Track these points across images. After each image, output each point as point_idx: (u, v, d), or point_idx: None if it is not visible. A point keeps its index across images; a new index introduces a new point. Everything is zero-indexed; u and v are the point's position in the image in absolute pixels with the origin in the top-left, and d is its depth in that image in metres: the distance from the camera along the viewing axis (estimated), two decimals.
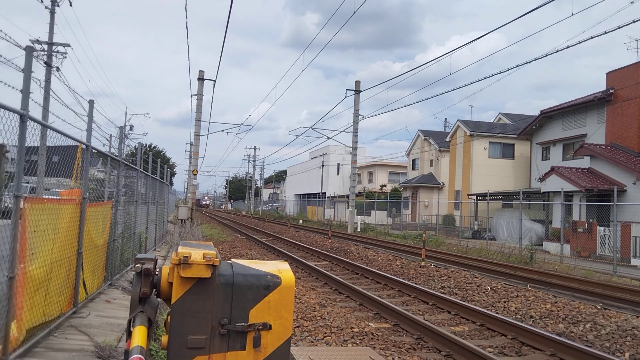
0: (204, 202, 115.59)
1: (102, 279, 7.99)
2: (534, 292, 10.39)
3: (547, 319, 8.33)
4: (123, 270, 9.70)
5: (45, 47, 23.21)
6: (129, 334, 2.54)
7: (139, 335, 2.39)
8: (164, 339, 2.75)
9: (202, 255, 2.70)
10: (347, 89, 31.74)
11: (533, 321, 8.22)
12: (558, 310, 8.74)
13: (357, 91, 31.91)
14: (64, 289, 5.80)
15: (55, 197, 5.90)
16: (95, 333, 5.47)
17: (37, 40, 23.06)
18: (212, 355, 2.74)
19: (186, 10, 15.32)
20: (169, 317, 2.76)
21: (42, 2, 22.51)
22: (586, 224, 20.69)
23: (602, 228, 19.83)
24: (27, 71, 4.70)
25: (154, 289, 2.82)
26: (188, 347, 2.71)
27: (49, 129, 5.30)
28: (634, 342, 6.90)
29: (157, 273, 2.80)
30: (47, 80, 22.26)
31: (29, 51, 4.90)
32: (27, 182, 6.76)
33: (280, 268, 2.97)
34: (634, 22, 13.12)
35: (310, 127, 35.75)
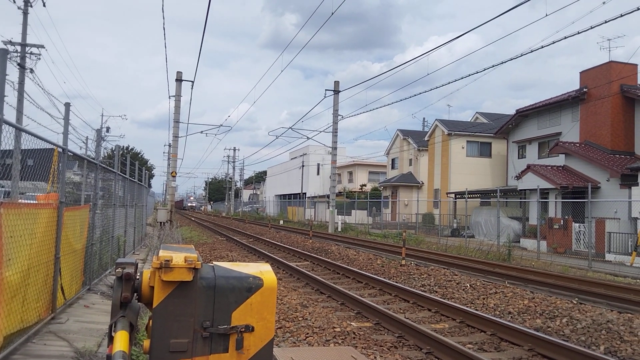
0: (189, 204, 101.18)
1: (81, 283, 7.89)
2: (512, 289, 10.56)
3: (525, 314, 8.48)
4: (102, 275, 9.58)
5: (18, 48, 22.79)
6: (111, 339, 2.52)
7: (121, 340, 2.38)
8: (146, 343, 2.74)
9: (183, 259, 2.70)
10: (326, 89, 31.83)
11: (511, 317, 8.37)
12: (535, 306, 8.90)
13: (336, 91, 32.01)
14: (42, 294, 5.71)
15: (32, 202, 5.81)
16: (74, 339, 5.40)
17: (10, 41, 22.63)
18: (195, 359, 2.74)
19: (163, 11, 15.20)
20: (151, 321, 2.75)
21: (14, 2, 22.08)
22: (562, 221, 21.10)
23: (577, 224, 20.26)
24: (2, 74, 4.63)
25: (135, 294, 2.80)
26: (170, 350, 2.70)
27: (24, 133, 5.22)
28: (609, 336, 7.07)
29: (138, 277, 2.79)
30: (21, 82, 21.85)
31: (3, 53, 4.82)
32: (2, 187, 6.64)
33: (262, 270, 2.99)
34: (605, 22, 13.43)
35: (290, 128, 35.77)
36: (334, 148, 32.46)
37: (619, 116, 24.30)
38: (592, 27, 13.85)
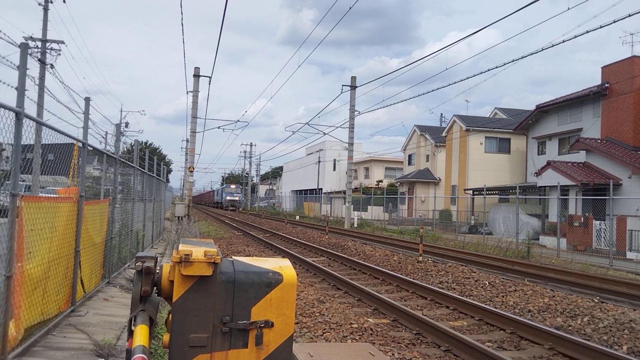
0: (228, 197, 69.80)
1: (100, 277, 7.96)
2: (532, 286, 10.41)
3: (545, 312, 8.35)
4: (121, 268, 9.67)
5: (39, 44, 23.07)
6: (131, 332, 2.52)
7: (141, 334, 2.37)
8: (166, 337, 2.73)
9: (203, 253, 2.68)
10: (343, 85, 31.71)
11: (531, 315, 8.25)
12: (556, 304, 8.77)
13: (353, 87, 31.86)
14: (62, 287, 5.77)
15: (52, 195, 5.86)
16: (93, 331, 5.45)
17: (31, 37, 22.91)
18: (214, 354, 2.73)
19: (181, 7, 15.26)
20: (170, 315, 2.74)
21: None
22: (582, 218, 20.76)
23: (598, 222, 19.91)
24: (22, 68, 4.65)
25: (155, 287, 2.80)
26: (190, 345, 2.69)
27: (44, 127, 5.26)
28: (632, 335, 6.93)
29: (158, 271, 2.78)
30: (41, 77, 22.13)
31: (24, 48, 4.85)
32: (23, 181, 6.71)
33: (282, 265, 2.96)
34: (629, 15, 13.13)
35: (307, 123, 35.66)
36: (351, 144, 32.35)
37: None
38: (615, 21, 13.54)
